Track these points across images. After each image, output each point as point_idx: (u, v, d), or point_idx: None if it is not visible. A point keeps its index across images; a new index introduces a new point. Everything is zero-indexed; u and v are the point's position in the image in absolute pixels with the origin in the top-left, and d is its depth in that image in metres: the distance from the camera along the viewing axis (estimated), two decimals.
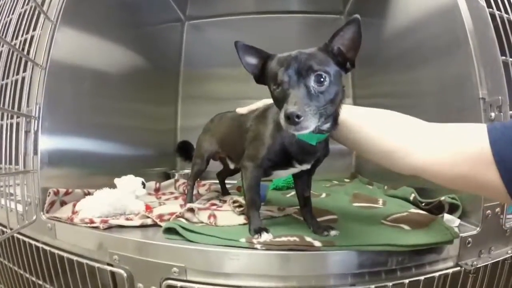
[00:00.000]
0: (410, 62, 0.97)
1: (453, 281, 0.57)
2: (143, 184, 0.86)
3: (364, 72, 1.37)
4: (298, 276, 0.54)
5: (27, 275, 0.76)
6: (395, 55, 1.09)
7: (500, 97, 0.60)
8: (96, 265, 0.62)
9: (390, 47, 1.11)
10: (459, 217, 0.66)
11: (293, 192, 1.01)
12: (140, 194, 0.84)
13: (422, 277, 0.55)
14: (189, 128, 1.58)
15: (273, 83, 0.50)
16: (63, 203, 0.79)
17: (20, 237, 0.75)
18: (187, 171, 1.34)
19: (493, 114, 0.60)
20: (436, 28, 0.79)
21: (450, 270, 0.57)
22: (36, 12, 0.77)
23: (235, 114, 0.75)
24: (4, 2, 0.83)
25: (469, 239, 0.59)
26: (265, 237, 0.55)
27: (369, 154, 0.58)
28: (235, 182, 1.21)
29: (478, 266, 0.58)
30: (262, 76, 0.54)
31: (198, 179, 1.07)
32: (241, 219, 0.68)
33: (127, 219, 0.71)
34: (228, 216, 0.70)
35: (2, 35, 0.76)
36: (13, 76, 0.76)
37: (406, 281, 0.54)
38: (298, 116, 0.42)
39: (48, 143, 0.77)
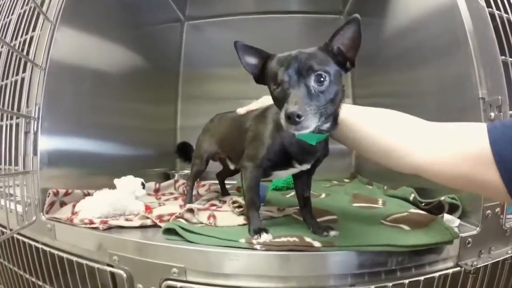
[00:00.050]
0: (410, 62, 0.97)
1: (453, 282, 0.57)
2: (143, 184, 0.86)
3: (364, 72, 1.37)
4: (297, 276, 0.53)
5: (27, 276, 0.76)
6: (395, 55, 1.09)
7: (500, 97, 0.60)
8: (96, 265, 0.62)
9: (390, 47, 1.11)
10: (459, 217, 0.66)
11: (292, 193, 1.01)
12: (140, 195, 0.84)
13: (422, 278, 0.55)
14: (189, 128, 1.57)
15: (273, 83, 0.50)
16: (62, 204, 0.79)
17: (20, 237, 0.75)
18: (187, 171, 1.34)
19: (492, 114, 0.60)
20: (436, 28, 0.79)
21: (450, 271, 0.57)
22: (36, 13, 0.77)
23: (234, 114, 0.75)
24: (4, 3, 0.83)
25: (469, 239, 0.59)
26: (265, 237, 0.55)
27: (369, 153, 0.58)
28: (235, 182, 1.21)
29: (478, 266, 0.58)
30: (262, 76, 0.54)
31: (198, 180, 1.07)
32: (241, 220, 0.68)
33: (126, 219, 0.71)
34: (228, 217, 0.70)
35: (2, 35, 0.76)
36: (12, 76, 0.76)
37: (406, 281, 0.54)
38: (299, 116, 0.42)
39: (47, 143, 0.77)
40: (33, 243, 0.72)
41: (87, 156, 0.95)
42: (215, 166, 0.98)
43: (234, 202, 0.75)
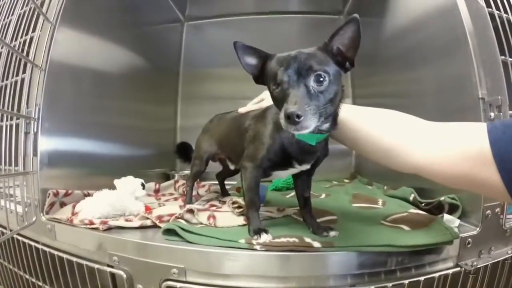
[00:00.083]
0: (409, 62, 0.97)
1: (453, 282, 0.57)
2: (143, 185, 0.86)
3: (363, 72, 1.37)
4: (297, 277, 0.53)
5: (27, 276, 0.76)
6: (394, 54, 1.09)
7: (499, 97, 0.60)
8: (96, 266, 0.62)
9: (390, 47, 1.11)
10: (459, 217, 0.66)
11: (292, 193, 1.01)
12: (140, 195, 0.84)
13: (422, 278, 0.55)
14: (189, 128, 1.58)
15: (272, 83, 0.50)
16: (62, 204, 0.79)
17: (20, 238, 0.75)
18: (187, 172, 1.34)
19: (492, 114, 0.60)
20: (436, 28, 0.79)
21: (450, 271, 0.57)
22: (36, 13, 0.77)
23: (234, 115, 0.75)
24: (4, 3, 0.83)
25: (469, 239, 0.59)
26: (265, 238, 0.55)
27: (369, 153, 0.58)
28: (235, 183, 1.21)
29: (478, 266, 0.58)
30: (261, 76, 0.54)
31: (198, 180, 1.07)
32: (241, 220, 0.68)
33: (126, 220, 0.70)
34: (228, 217, 0.70)
35: (2, 36, 0.76)
36: (12, 77, 0.76)
37: (406, 281, 0.54)
38: (299, 116, 0.42)
39: (47, 144, 0.77)
40: (33, 243, 0.72)
41: (87, 156, 0.95)
42: (215, 167, 0.98)
43: (234, 203, 0.75)
